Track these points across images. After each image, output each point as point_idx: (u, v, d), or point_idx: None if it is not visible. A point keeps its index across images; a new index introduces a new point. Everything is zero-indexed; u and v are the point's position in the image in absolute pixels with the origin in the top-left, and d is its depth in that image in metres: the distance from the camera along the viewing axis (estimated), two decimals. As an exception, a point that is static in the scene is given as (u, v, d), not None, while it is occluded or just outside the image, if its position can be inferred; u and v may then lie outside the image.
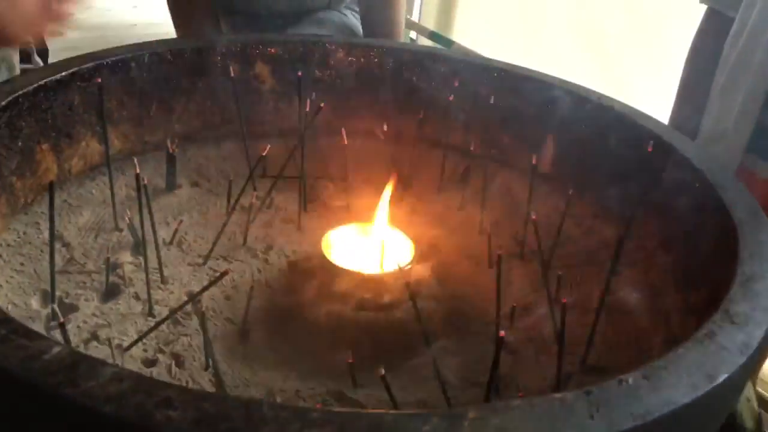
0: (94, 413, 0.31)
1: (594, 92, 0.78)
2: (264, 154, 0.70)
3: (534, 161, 0.69)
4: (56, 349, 0.34)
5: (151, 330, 0.58)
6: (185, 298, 0.65)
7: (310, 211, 0.80)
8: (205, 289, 0.55)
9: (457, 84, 0.82)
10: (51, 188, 0.54)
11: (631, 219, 0.69)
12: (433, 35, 2.27)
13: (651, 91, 1.28)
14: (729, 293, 0.45)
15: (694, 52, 0.97)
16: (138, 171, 0.59)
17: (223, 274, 0.53)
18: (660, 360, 0.39)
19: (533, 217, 0.65)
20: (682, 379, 0.37)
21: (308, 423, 0.32)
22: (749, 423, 0.51)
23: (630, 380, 0.37)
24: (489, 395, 0.45)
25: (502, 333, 0.41)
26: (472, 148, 0.81)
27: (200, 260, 0.70)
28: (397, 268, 0.61)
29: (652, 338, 0.63)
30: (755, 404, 0.56)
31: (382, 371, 0.42)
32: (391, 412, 0.32)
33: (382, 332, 0.63)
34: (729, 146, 0.85)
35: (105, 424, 0.31)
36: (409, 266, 0.64)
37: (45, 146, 0.68)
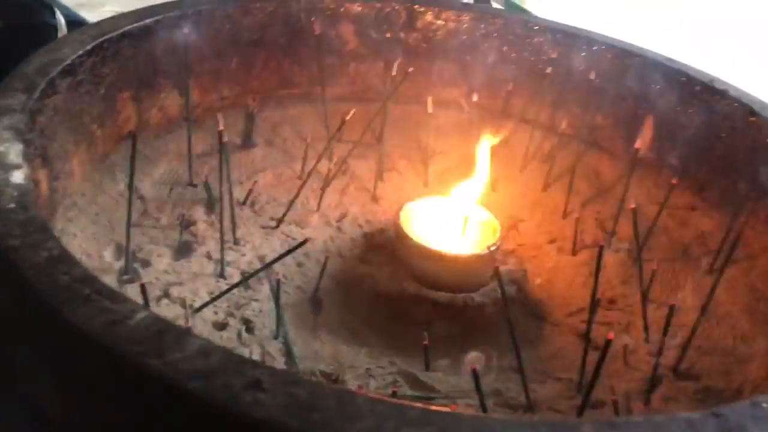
0: (180, 388, 0.29)
1: (705, 73, 0.72)
2: (348, 118, 0.67)
3: (637, 145, 0.64)
4: (141, 315, 0.32)
5: (223, 293, 0.56)
6: (256, 261, 0.63)
7: (386, 180, 0.76)
8: (283, 255, 0.53)
9: (554, 56, 0.76)
10: (133, 140, 0.52)
11: (737, 215, 0.63)
12: (507, 2, 2.18)
13: (752, 73, 1.18)
14: None
15: None
16: (221, 127, 0.57)
17: (304, 242, 0.51)
18: (796, 383, 0.34)
19: (632, 206, 0.60)
20: (823, 408, 0.33)
21: (406, 421, 0.29)
22: None
23: (764, 404, 0.32)
24: (584, 406, 0.42)
25: (611, 335, 0.37)
26: (563, 126, 0.75)
27: (273, 223, 0.68)
28: (483, 249, 0.58)
29: (752, 346, 0.58)
30: None
31: (476, 366, 0.39)
32: (495, 416, 0.29)
33: (459, 315, 0.60)
34: None
35: (189, 401, 0.29)
36: (496, 248, 0.60)
37: (126, 95, 0.67)
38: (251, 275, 0.56)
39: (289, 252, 0.52)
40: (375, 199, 0.74)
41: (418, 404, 0.30)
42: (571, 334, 0.62)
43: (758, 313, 0.60)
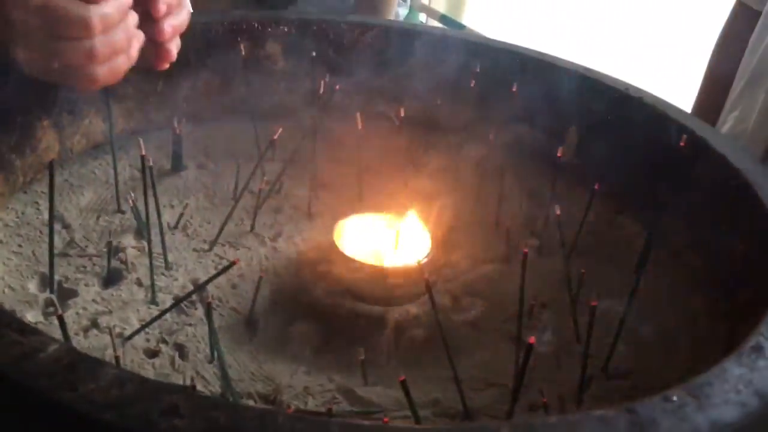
0: (93, 420, 0.28)
1: (621, 82, 0.75)
2: (275, 137, 0.67)
3: (559, 154, 0.66)
4: (53, 347, 0.31)
5: (154, 319, 0.55)
6: (190, 286, 0.62)
7: (320, 197, 0.76)
8: (212, 278, 0.52)
9: (478, 70, 0.78)
10: (51, 167, 0.51)
11: (658, 217, 0.66)
12: (443, 18, 2.22)
13: (672, 81, 1.25)
14: (774, 302, 0.42)
15: (720, 47, 0.93)
16: (144, 152, 0.56)
17: (232, 263, 0.50)
18: (704, 375, 0.36)
19: (557, 212, 0.62)
20: (729, 397, 0.35)
21: (327, 437, 0.29)
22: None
23: (675, 398, 0.34)
24: (513, 408, 0.42)
25: (532, 340, 0.38)
26: (491, 137, 0.77)
27: (206, 246, 0.67)
28: (414, 262, 0.58)
29: (678, 342, 0.61)
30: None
31: (403, 377, 0.40)
32: (416, 426, 0.30)
33: (396, 328, 0.60)
34: (750, 146, 0.82)
35: (105, 432, 0.28)
36: (426, 260, 0.61)
37: (46, 123, 0.65)
38: (181, 300, 0.55)
39: (218, 274, 0.52)
40: (310, 216, 0.74)
41: (343, 419, 0.30)
42: (506, 340, 0.63)
43: (683, 309, 0.63)
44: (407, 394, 0.41)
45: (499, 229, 0.74)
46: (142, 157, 0.56)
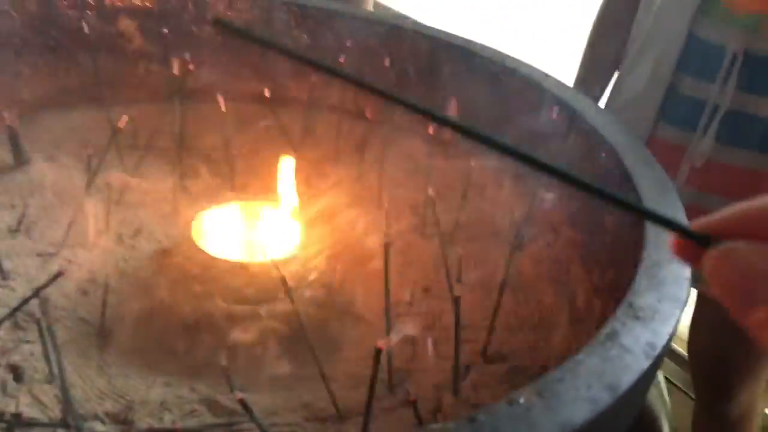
0: None
1: (498, 53, 0.72)
2: (121, 124, 0.60)
3: (431, 131, 0.63)
4: None
5: (-21, 340, 0.48)
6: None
7: (186, 188, 0.71)
8: (40, 289, 0.46)
9: (349, 44, 0.74)
10: None
11: (534, 192, 0.64)
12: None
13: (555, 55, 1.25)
14: (633, 282, 0.40)
15: (601, 19, 0.93)
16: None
17: (58, 274, 0.44)
18: (556, 372, 0.34)
19: (430, 193, 0.59)
20: (580, 394, 0.32)
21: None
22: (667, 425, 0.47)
23: (521, 400, 0.31)
24: (368, 412, 0.39)
25: (379, 344, 0.35)
26: (368, 115, 0.73)
27: (52, 249, 0.61)
28: (278, 256, 0.54)
29: (557, 318, 0.59)
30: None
31: (240, 395, 0.36)
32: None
33: (263, 327, 0.56)
34: (640, 112, 0.82)
35: None
36: (292, 254, 0.57)
37: None
38: (12, 312, 0.49)
39: (47, 284, 0.46)
40: (175, 210, 0.69)
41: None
42: (386, 334, 0.60)
43: (561, 285, 0.61)
44: (248, 411, 0.37)
45: (381, 211, 0.71)
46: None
